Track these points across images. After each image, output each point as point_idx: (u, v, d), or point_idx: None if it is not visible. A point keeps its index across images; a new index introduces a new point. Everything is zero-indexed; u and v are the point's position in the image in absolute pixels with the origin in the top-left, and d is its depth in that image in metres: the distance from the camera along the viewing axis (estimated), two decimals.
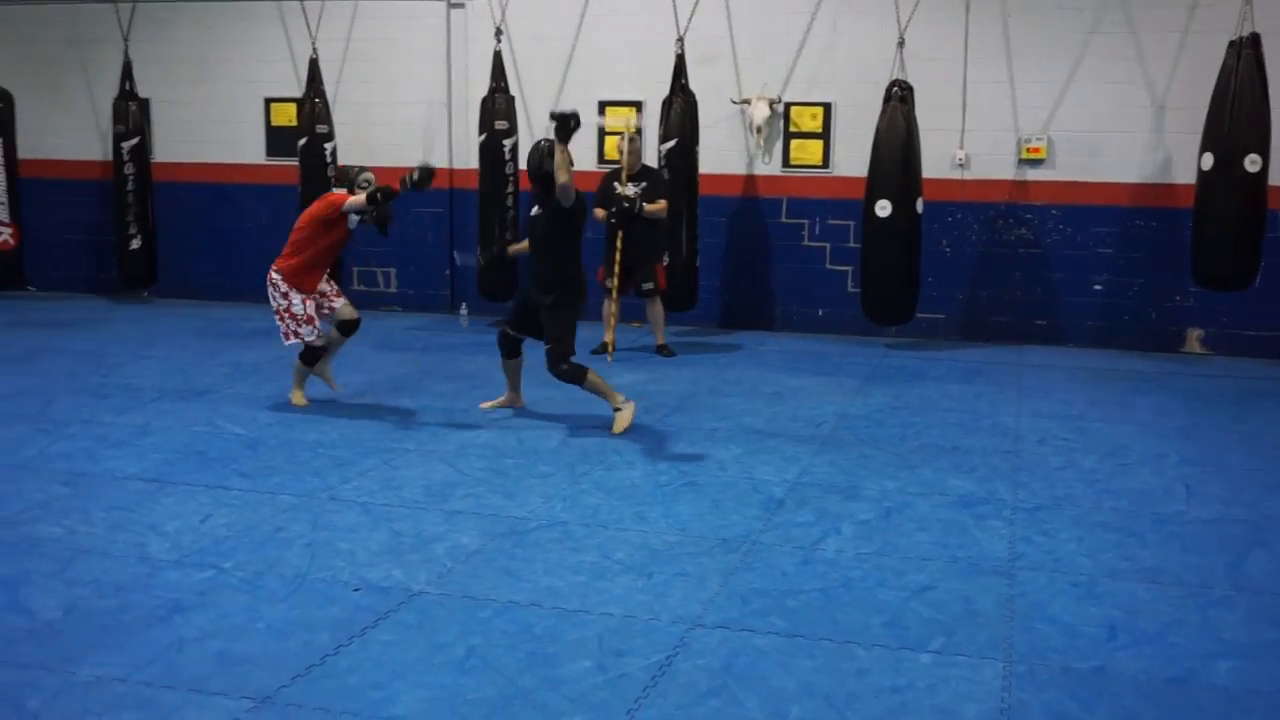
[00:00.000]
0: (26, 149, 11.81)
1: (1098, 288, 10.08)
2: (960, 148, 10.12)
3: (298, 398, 7.56)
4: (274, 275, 7.35)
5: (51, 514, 5.34)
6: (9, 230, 11.68)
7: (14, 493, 5.63)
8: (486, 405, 7.41)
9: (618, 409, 6.94)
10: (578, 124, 6.66)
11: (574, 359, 6.90)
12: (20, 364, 8.67)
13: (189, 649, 3.98)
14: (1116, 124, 9.83)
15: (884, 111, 9.52)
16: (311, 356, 7.50)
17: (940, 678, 3.87)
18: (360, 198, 7.15)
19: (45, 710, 3.55)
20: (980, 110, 10.06)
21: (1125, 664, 4.00)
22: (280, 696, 3.66)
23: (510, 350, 7.23)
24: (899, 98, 9.47)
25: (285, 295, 7.31)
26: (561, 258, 6.90)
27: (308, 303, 7.33)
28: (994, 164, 10.14)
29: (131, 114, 11.42)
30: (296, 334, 7.33)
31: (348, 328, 7.59)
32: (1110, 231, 10.01)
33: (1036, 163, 10.04)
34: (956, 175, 10.19)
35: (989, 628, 4.27)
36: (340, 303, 7.54)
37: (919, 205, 9.55)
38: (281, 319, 7.34)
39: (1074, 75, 9.86)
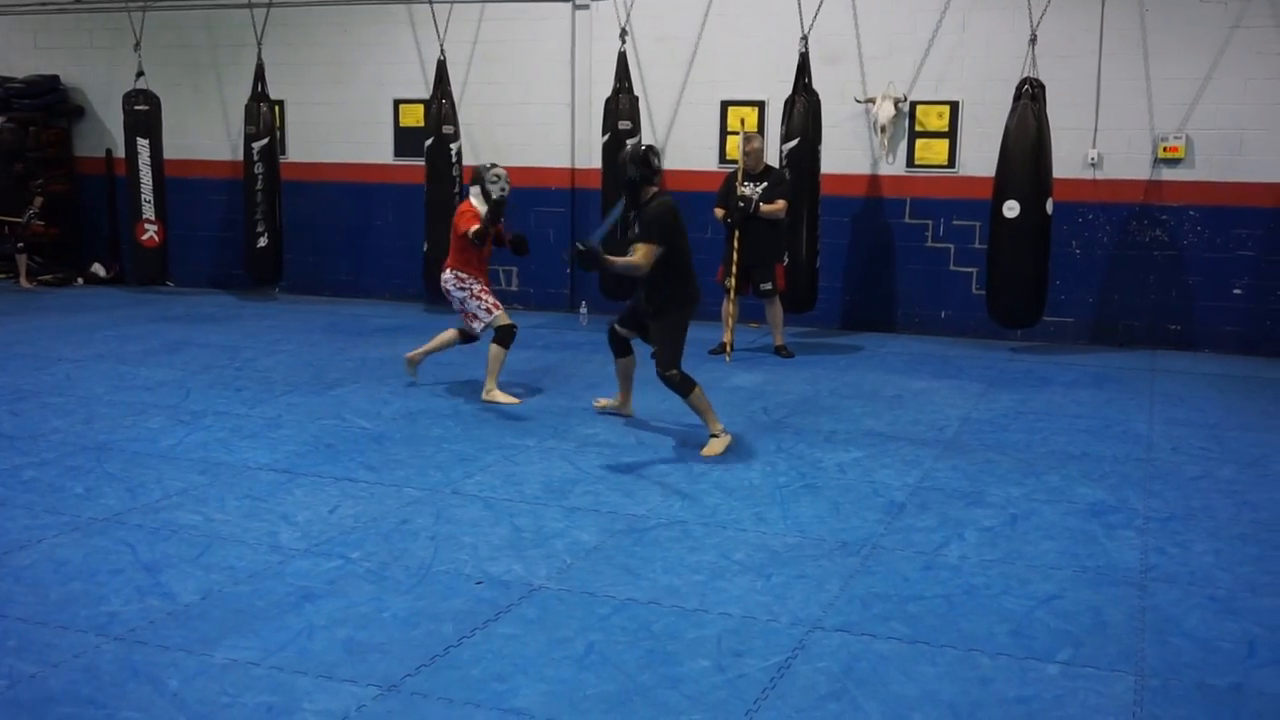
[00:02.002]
0: (170, 149, 12.28)
1: (1238, 292, 9.72)
2: (1093, 147, 9.86)
3: (499, 394, 7.63)
4: (450, 274, 7.71)
5: (189, 502, 5.54)
6: (155, 227, 12.16)
7: (155, 480, 5.85)
8: (600, 403, 7.45)
9: (714, 435, 6.59)
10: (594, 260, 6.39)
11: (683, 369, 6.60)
12: (161, 356, 9.02)
13: (318, 636, 4.10)
14: (1260, 122, 9.49)
15: (1014, 110, 9.32)
16: (507, 338, 7.65)
17: (1068, 690, 3.77)
18: (475, 226, 7.47)
19: (185, 690, 3.68)
20: (1115, 108, 9.79)
21: (1266, 682, 3.85)
22: (406, 685, 3.74)
23: (619, 349, 7.14)
24: (1030, 96, 9.26)
25: (468, 285, 7.67)
26: (667, 266, 6.52)
27: (486, 291, 7.71)
28: (1128, 163, 9.86)
29: (262, 115, 11.77)
30: (494, 309, 7.64)
31: (469, 337, 7.91)
32: (1252, 234, 9.65)
33: (1174, 162, 9.72)
34: (1089, 175, 9.93)
35: (1120, 640, 4.15)
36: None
37: (1049, 206, 9.33)
38: (477, 298, 7.65)
39: (1214, 72, 9.53)
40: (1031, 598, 4.51)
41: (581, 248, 6.26)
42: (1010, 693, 3.75)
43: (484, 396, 7.61)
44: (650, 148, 6.68)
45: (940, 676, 3.85)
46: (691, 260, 6.68)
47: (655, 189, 6.59)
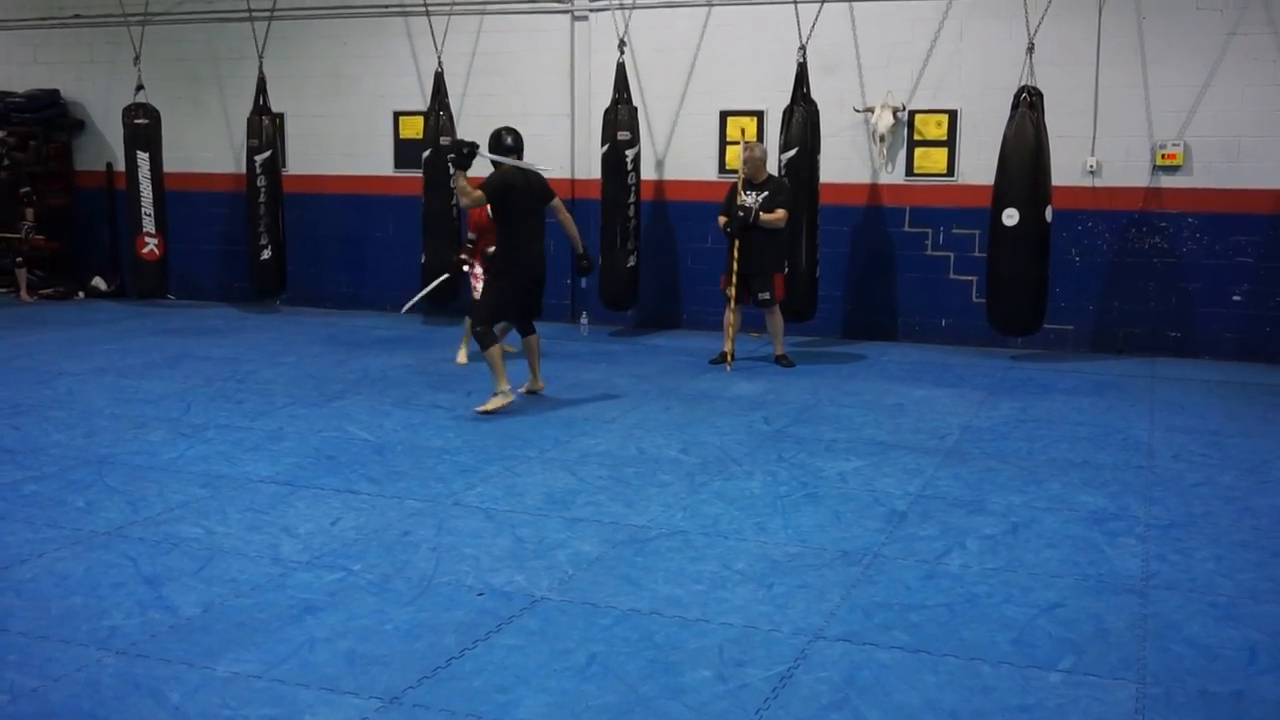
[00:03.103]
0: (169, 162, 12.30)
1: (1237, 298, 9.73)
2: (1091, 154, 9.88)
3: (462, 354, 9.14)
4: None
5: (191, 515, 5.54)
6: (155, 241, 12.18)
7: (156, 494, 5.86)
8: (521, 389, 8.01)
9: (495, 393, 7.57)
10: (471, 154, 7.55)
11: (495, 329, 7.78)
12: (163, 370, 9.03)
13: (320, 648, 4.09)
14: (1257, 128, 9.50)
15: (1012, 118, 9.34)
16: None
17: (1070, 698, 3.77)
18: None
19: (187, 703, 3.68)
20: (1113, 116, 9.81)
21: (1267, 689, 3.85)
22: (408, 697, 3.74)
23: (521, 330, 8.13)
24: (1028, 104, 9.28)
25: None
26: (498, 234, 7.78)
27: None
28: (1127, 171, 9.87)
29: (264, 128, 11.80)
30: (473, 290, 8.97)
31: None
32: (1251, 240, 9.66)
33: (1172, 169, 9.74)
34: (1087, 183, 9.95)
35: (1121, 648, 4.15)
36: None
37: (1048, 213, 9.34)
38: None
39: (1212, 79, 9.55)
40: (1033, 606, 4.51)
41: (464, 149, 7.50)
42: (1012, 701, 3.74)
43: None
44: (505, 130, 7.84)
45: (942, 685, 3.84)
46: (519, 239, 7.65)
47: (508, 163, 7.70)
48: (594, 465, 6.43)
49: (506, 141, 7.79)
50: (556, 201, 7.99)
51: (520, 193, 7.66)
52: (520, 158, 7.81)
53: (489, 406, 7.53)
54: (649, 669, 3.94)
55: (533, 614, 4.40)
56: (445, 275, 9.85)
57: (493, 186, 7.63)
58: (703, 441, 6.95)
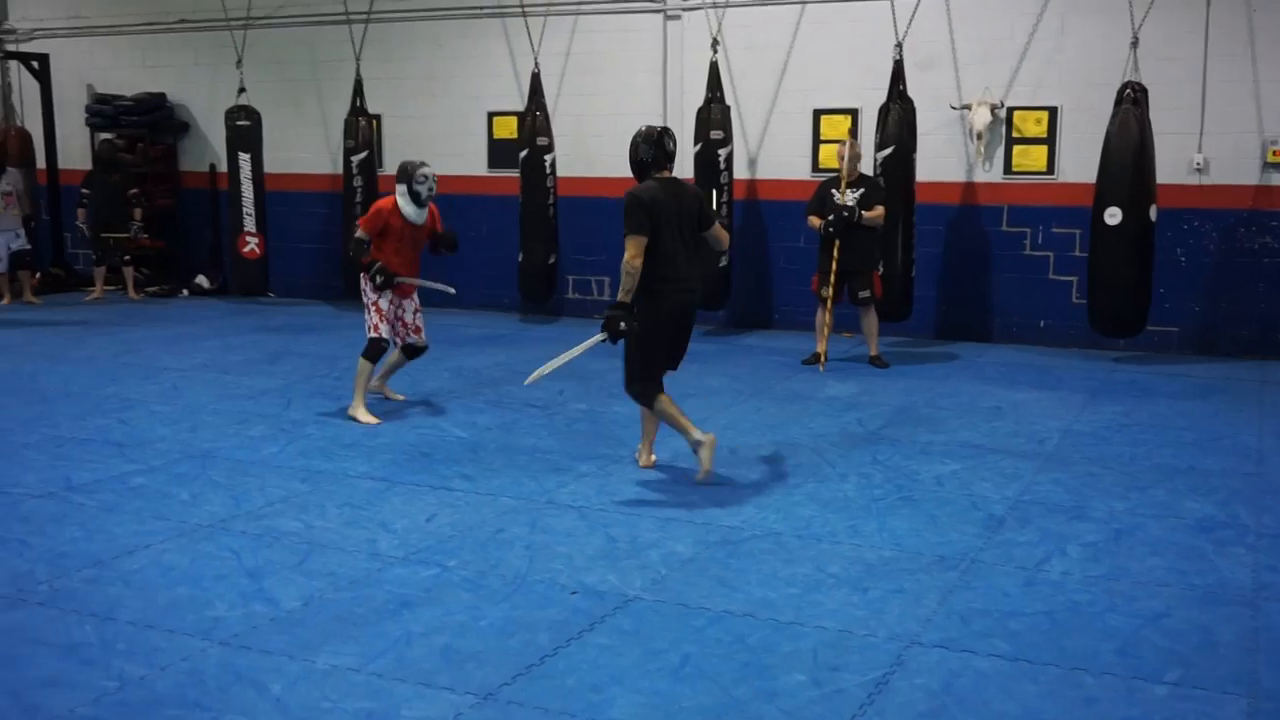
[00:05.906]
0: (270, 163, 12.57)
1: None
2: (1198, 151, 9.60)
3: (362, 413, 7.36)
4: (364, 278, 7.45)
5: (291, 509, 5.65)
6: (256, 240, 12.46)
7: (258, 488, 5.98)
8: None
9: (697, 445, 6.03)
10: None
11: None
12: (263, 366, 9.22)
13: (417, 643, 4.14)
14: None
15: (1115, 114, 9.11)
16: (374, 353, 7.43)
17: (1177, 712, 3.66)
18: (361, 234, 7.38)
19: (287, 695, 3.75)
20: (1221, 111, 9.51)
21: None
22: (502, 694, 3.76)
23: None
24: (1132, 100, 9.05)
25: (366, 293, 7.47)
26: (645, 259, 5.93)
27: (390, 303, 7.48)
28: (1236, 168, 9.58)
29: (360, 129, 11.98)
30: (375, 330, 7.42)
31: (412, 351, 7.77)
32: None
33: None
34: (1194, 180, 9.67)
35: (1231, 660, 4.02)
36: (416, 336, 7.72)
37: (1152, 212, 9.09)
38: (367, 309, 7.47)
39: None
40: (1138, 615, 4.39)
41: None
42: (1116, 713, 3.65)
43: (348, 411, 7.46)
44: (665, 130, 6.02)
45: (1043, 695, 3.76)
46: (668, 257, 5.89)
47: (658, 173, 5.98)
48: (686, 465, 6.41)
49: (669, 147, 5.96)
50: (715, 230, 6.25)
51: (658, 204, 5.87)
52: (667, 169, 6.03)
53: (702, 467, 6.06)
54: (742, 671, 3.92)
55: (626, 613, 4.40)
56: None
57: (631, 215, 5.82)
58: (795, 443, 6.90)
